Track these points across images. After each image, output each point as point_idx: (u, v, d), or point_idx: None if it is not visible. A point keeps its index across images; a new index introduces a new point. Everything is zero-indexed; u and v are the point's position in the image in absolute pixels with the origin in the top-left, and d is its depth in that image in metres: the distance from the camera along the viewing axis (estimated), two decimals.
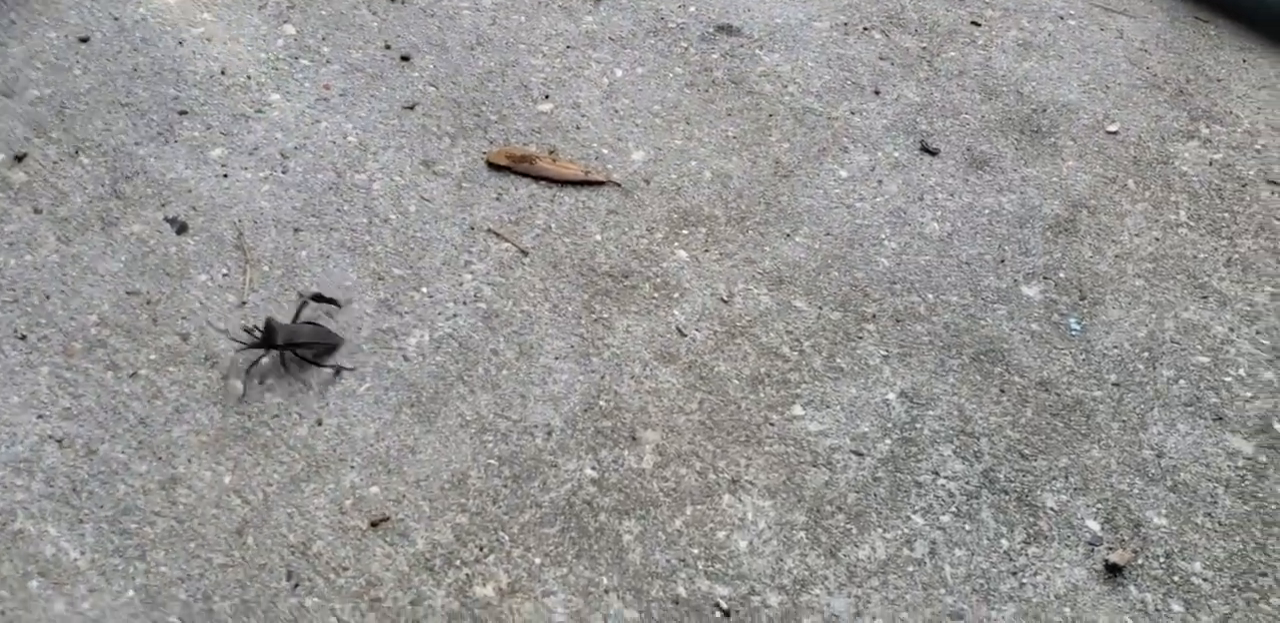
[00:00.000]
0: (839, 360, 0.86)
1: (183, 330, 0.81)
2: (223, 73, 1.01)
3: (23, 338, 0.79)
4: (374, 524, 0.73)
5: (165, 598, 0.68)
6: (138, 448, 0.74)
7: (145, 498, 0.72)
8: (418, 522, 0.73)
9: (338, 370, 0.79)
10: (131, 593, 0.68)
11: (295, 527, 0.72)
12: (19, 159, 0.90)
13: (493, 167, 0.97)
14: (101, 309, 0.82)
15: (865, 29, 1.15)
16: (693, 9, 1.14)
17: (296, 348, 0.77)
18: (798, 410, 0.82)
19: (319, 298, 0.81)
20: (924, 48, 1.14)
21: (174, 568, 0.69)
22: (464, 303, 0.86)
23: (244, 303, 0.83)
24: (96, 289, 0.83)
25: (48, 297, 0.82)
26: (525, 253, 0.90)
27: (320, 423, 0.77)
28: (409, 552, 0.72)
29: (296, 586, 0.69)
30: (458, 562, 0.72)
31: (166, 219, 0.88)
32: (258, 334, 0.78)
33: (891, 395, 0.84)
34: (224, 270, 0.85)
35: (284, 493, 0.73)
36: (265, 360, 0.78)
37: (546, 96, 1.03)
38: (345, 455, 0.76)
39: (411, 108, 1.00)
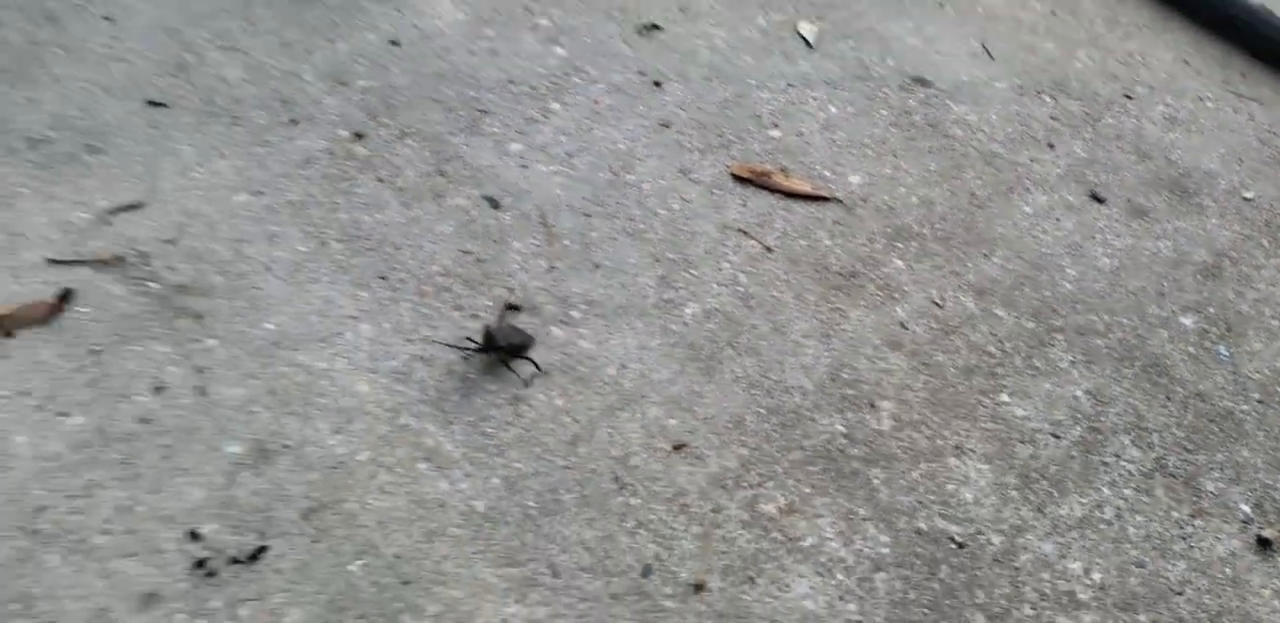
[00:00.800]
0: (1035, 361, 1.03)
1: (508, 285, 0.99)
2: (510, 82, 1.19)
3: (383, 278, 0.97)
4: (676, 448, 0.89)
5: (522, 487, 0.84)
6: (484, 370, 0.91)
7: (498, 410, 0.89)
8: (709, 450, 0.90)
9: (537, 367, 0.92)
10: (496, 481, 0.84)
11: (615, 444, 0.89)
12: (359, 136, 1.09)
13: (736, 178, 1.15)
14: (443, 262, 0.99)
15: (1038, 92, 1.34)
16: (891, 62, 1.33)
17: (514, 349, 0.91)
18: (1005, 398, 0.99)
19: (511, 307, 0.95)
20: (1086, 113, 1.33)
21: (526, 465, 0.86)
22: (725, 285, 1.03)
23: (553, 268, 1.01)
24: (436, 246, 1.00)
25: (398, 248, 0.99)
26: (769, 250, 1.08)
27: (624, 367, 0.94)
28: (705, 472, 0.88)
29: (622, 488, 0.86)
30: (744, 484, 0.88)
31: (483, 197, 1.06)
32: (475, 341, 0.91)
33: (1079, 393, 1.01)
34: (534, 242, 1.03)
35: (603, 417, 0.90)
36: (484, 361, 0.91)
37: (775, 125, 1.22)
38: (646, 393, 0.93)
39: (667, 126, 1.19)
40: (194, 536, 0.77)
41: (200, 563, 0.76)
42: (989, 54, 1.36)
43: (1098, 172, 1.24)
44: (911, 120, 1.25)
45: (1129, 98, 1.36)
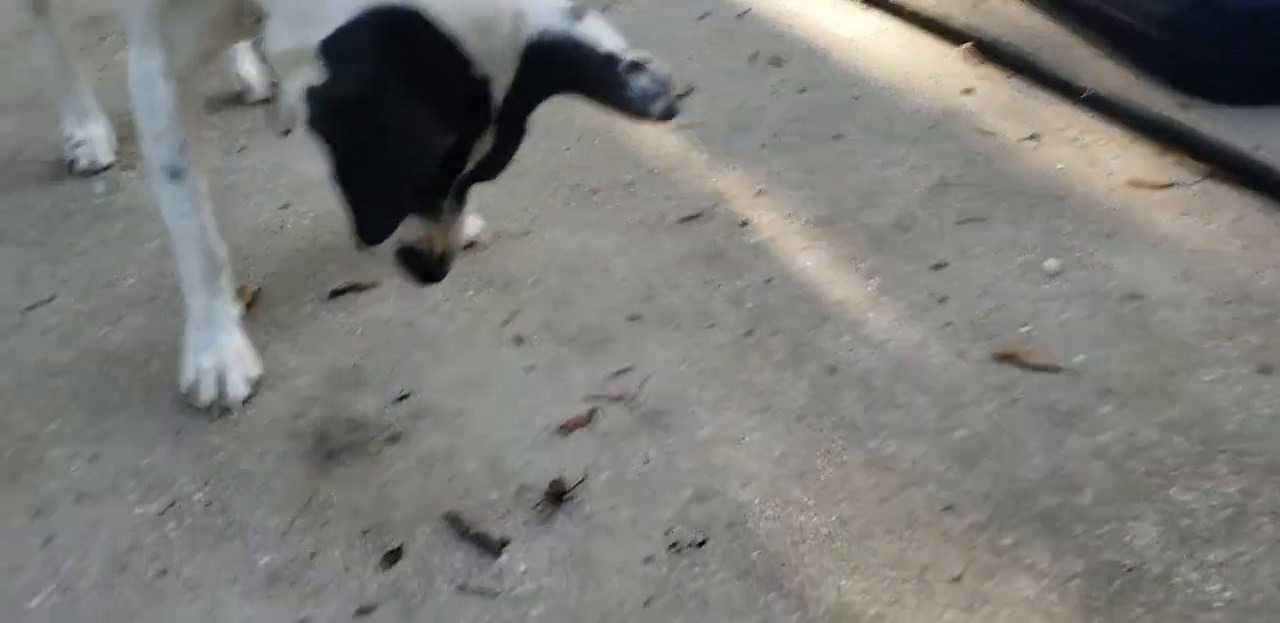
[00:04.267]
0: (1201, 469, 1.54)
1: (839, 417, 1.63)
2: (838, 302, 1.88)
3: (767, 410, 1.64)
4: None
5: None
6: None
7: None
8: None
9: None
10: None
11: None
12: (749, 333, 1.80)
13: (995, 356, 1.75)
14: (801, 402, 1.66)
15: (1225, 302, 1.85)
16: (1113, 284, 1.89)
17: None
18: (1173, 491, 1.51)
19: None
20: (1265, 314, 1.83)
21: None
22: (983, 420, 1.63)
23: (868, 408, 1.65)
24: (800, 395, 1.67)
25: (781, 394, 1.67)
26: (1016, 400, 1.66)
27: (915, 486, 1.55)
28: None
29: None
30: None
31: (824, 366, 1.73)
32: None
33: (1232, 489, 1.51)
34: (858, 393, 1.67)
35: None
36: None
37: (1025, 324, 1.82)
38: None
39: (949, 324, 1.82)
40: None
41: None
42: (1189, 277, 1.92)
43: (1267, 355, 1.75)
44: (1126, 320, 1.82)
45: None
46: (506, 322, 1.81)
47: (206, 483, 1.48)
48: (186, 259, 1.47)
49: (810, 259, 1.98)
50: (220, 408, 1.47)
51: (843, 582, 1.37)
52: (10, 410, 1.60)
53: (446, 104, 1.17)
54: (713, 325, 1.81)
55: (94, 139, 1.95)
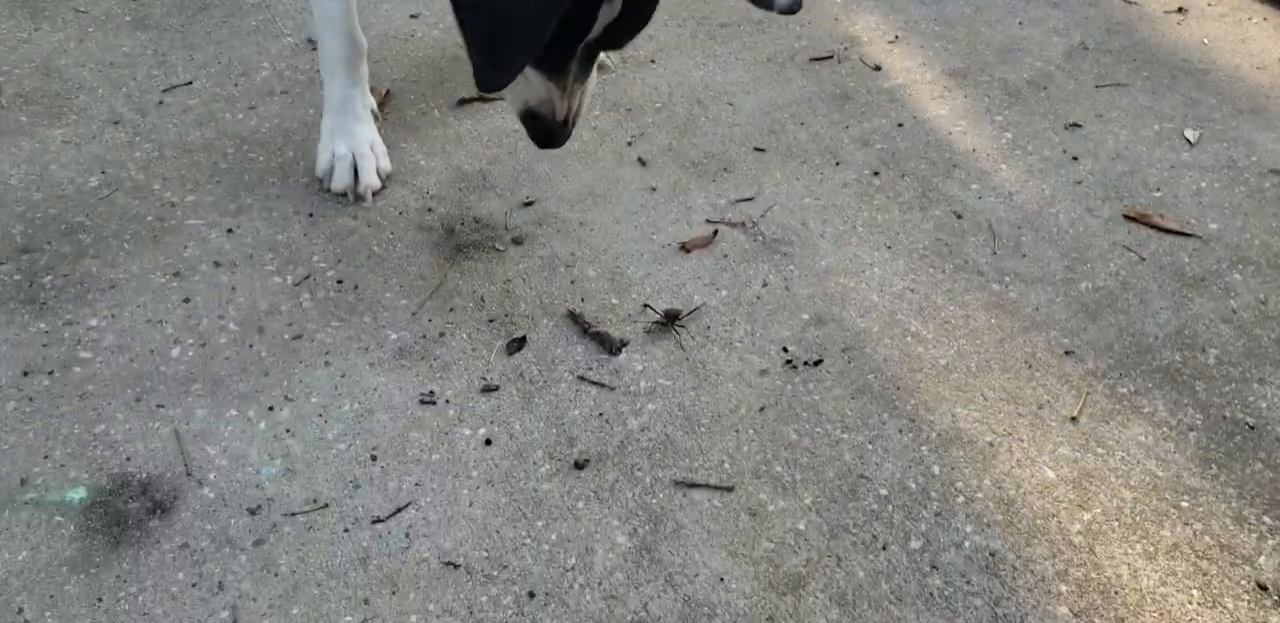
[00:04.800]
0: None
1: (964, 259, 1.61)
2: (972, 150, 1.84)
3: (889, 248, 1.62)
4: None
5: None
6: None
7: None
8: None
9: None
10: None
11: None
12: (875, 174, 1.77)
13: (1125, 217, 1.71)
14: (925, 242, 1.64)
15: None
16: (1254, 159, 1.84)
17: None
18: None
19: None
20: None
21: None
22: (1110, 276, 1.60)
23: (995, 253, 1.62)
24: (920, 235, 1.65)
25: (902, 233, 1.65)
26: (1143, 260, 1.63)
27: (1037, 309, 1.53)
28: None
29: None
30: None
31: (951, 211, 1.70)
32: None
33: None
34: (982, 238, 1.65)
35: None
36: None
37: (1158, 189, 1.77)
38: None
39: (1079, 183, 1.78)
40: None
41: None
42: None
43: None
44: (1265, 195, 1.77)
45: None
46: (630, 143, 1.80)
47: (339, 261, 1.51)
48: (329, 43, 1.46)
49: (943, 108, 1.94)
50: (354, 194, 1.47)
51: (958, 410, 1.37)
52: (151, 180, 1.62)
53: None
54: (839, 164, 1.78)
55: None
